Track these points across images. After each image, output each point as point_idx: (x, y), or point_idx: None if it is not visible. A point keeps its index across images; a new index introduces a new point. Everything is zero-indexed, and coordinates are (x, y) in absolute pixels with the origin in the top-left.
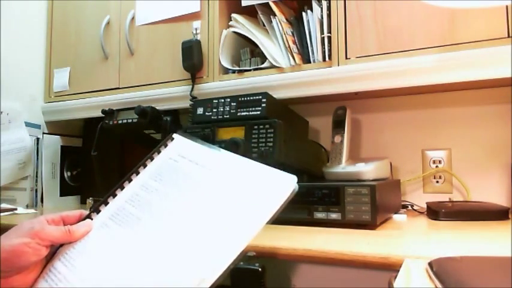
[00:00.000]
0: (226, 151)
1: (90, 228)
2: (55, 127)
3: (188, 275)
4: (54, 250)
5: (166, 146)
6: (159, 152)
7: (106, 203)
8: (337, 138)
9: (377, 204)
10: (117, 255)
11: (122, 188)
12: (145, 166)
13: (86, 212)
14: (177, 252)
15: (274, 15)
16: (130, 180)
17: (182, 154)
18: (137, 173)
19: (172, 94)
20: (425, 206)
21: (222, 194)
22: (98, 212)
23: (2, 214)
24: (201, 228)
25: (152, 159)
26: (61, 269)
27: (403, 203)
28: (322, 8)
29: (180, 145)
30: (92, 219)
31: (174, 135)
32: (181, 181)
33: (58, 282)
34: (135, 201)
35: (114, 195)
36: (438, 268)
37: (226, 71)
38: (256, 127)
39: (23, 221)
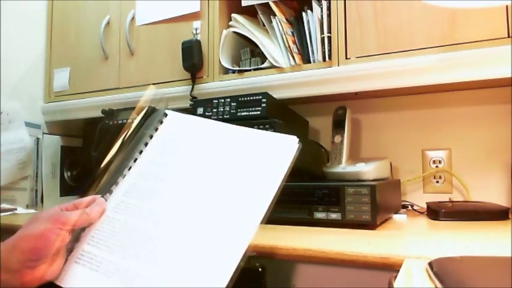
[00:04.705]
0: (220, 122)
1: (103, 206)
2: (55, 127)
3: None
4: (72, 238)
5: (161, 122)
6: (156, 129)
7: (116, 183)
8: (337, 138)
9: (377, 204)
10: (146, 228)
11: (129, 168)
12: (146, 144)
13: (99, 197)
14: (205, 225)
15: (274, 15)
16: (135, 160)
17: (182, 128)
18: (140, 152)
19: (172, 94)
20: (425, 206)
21: (231, 166)
22: (111, 192)
23: (2, 214)
24: (219, 203)
25: (151, 137)
26: (96, 252)
27: (403, 203)
28: (322, 8)
29: (176, 120)
30: (106, 200)
31: (167, 112)
32: (189, 155)
33: (99, 264)
34: (147, 176)
35: (123, 175)
36: (438, 268)
37: (226, 71)
38: (256, 127)
39: (37, 213)
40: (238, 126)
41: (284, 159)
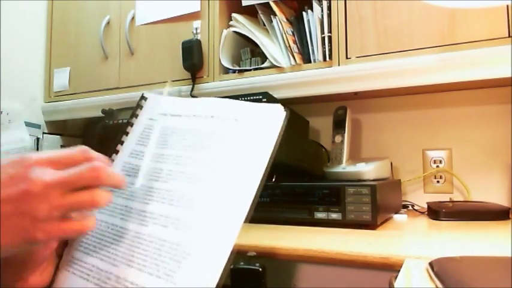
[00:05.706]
0: (202, 98)
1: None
2: (55, 127)
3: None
4: (61, 243)
5: (141, 107)
6: (136, 116)
7: None
8: (338, 138)
9: (377, 204)
10: (135, 229)
11: (111, 161)
12: (127, 134)
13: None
14: (199, 213)
15: (275, 14)
16: (117, 152)
17: (162, 111)
18: (122, 143)
19: (172, 94)
20: (425, 206)
21: (217, 141)
22: None
23: None
24: (209, 185)
25: (132, 124)
26: (87, 259)
27: (403, 203)
28: (322, 8)
29: (156, 103)
30: None
31: (146, 95)
32: (171, 141)
33: (89, 272)
34: (129, 170)
35: None
36: (439, 268)
37: (226, 70)
38: None
39: None
40: (220, 100)
41: (271, 131)
